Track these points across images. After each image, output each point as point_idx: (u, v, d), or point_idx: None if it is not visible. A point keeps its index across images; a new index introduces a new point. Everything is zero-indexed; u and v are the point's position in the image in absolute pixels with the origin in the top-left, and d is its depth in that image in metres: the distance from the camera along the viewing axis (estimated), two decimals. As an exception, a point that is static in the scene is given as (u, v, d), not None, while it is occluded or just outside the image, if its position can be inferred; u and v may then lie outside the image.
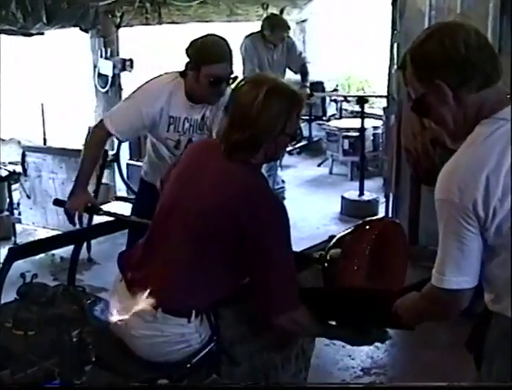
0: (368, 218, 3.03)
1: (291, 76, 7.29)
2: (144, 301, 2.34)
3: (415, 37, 2.14)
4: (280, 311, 2.50)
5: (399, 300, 2.39)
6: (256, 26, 7.54)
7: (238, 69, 6.85)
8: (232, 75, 3.60)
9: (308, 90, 7.36)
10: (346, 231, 2.89)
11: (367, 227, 2.89)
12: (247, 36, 7.19)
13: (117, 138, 3.84)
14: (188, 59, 3.60)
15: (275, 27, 7.11)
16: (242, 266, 2.51)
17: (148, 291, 2.36)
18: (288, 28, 7.28)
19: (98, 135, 3.71)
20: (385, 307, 2.42)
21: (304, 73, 7.30)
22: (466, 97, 2.04)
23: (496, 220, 1.97)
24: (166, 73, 3.77)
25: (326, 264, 2.82)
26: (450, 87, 2.03)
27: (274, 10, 8.32)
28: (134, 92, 3.74)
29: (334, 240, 2.86)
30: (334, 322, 2.72)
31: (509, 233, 1.99)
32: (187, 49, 3.60)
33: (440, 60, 2.04)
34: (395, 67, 5.66)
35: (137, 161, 6.47)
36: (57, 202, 3.80)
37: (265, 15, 7.81)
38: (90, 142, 3.78)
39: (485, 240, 2.02)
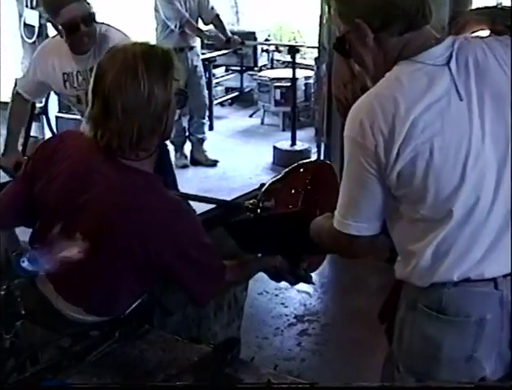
0: (299, 162, 2.92)
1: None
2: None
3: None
4: (207, 297, 2.39)
5: (312, 223, 2.30)
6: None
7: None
8: (91, 12, 3.48)
9: (239, 39, 7.29)
10: (278, 177, 2.83)
11: (299, 170, 2.84)
12: None
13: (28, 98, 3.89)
14: None
15: None
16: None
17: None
18: None
19: (16, 99, 3.86)
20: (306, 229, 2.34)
21: (219, 26, 7.08)
22: (388, 40, 1.92)
23: (398, 166, 1.85)
24: None
25: (258, 211, 2.77)
26: (371, 28, 1.90)
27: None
28: None
29: (265, 187, 2.81)
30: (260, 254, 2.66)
31: (411, 185, 1.88)
32: None
33: None
34: (326, 16, 5.66)
35: (66, 113, 6.35)
36: None
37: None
38: (12, 105, 3.89)
39: (389, 189, 1.91)
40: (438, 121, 1.83)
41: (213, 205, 3.27)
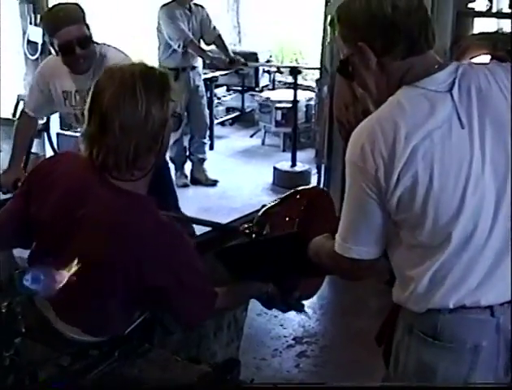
0: (297, 188, 2.95)
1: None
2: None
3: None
4: (196, 322, 2.43)
5: (310, 243, 2.31)
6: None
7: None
8: (88, 35, 3.53)
9: (242, 59, 7.32)
10: (274, 202, 2.84)
11: (296, 197, 2.85)
12: (162, 7, 6.68)
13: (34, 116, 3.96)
14: None
15: None
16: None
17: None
18: None
19: (22, 117, 3.95)
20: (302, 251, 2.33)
21: (221, 46, 7.10)
22: (391, 64, 1.92)
23: (398, 192, 1.85)
24: None
25: (254, 236, 2.76)
26: (374, 51, 1.91)
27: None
28: None
29: (261, 212, 2.80)
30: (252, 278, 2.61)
31: (410, 210, 1.88)
32: None
33: (363, 21, 1.91)
34: (328, 38, 5.68)
35: (67, 130, 6.36)
36: None
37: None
38: (18, 122, 3.99)
39: (389, 214, 1.92)
40: (439, 148, 1.83)
41: (208, 228, 3.27)
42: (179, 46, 6.51)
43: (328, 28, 5.60)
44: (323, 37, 5.77)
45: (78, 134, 4.11)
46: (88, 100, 2.17)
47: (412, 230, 1.92)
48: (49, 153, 6.49)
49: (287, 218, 2.73)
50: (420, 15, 1.92)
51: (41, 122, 5.99)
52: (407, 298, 2.00)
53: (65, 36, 3.46)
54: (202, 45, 6.94)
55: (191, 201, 6.11)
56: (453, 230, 1.88)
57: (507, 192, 1.90)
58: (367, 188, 1.88)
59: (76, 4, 3.60)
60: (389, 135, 1.84)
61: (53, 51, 3.65)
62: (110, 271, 2.16)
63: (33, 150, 5.65)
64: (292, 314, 4.27)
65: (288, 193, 2.88)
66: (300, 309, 2.76)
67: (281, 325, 4.27)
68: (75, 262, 1.98)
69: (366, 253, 1.97)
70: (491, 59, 4.20)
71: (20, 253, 4.81)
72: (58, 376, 2.17)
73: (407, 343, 2.04)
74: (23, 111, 3.97)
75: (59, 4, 3.63)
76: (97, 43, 3.66)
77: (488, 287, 1.92)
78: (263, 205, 2.91)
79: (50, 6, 3.66)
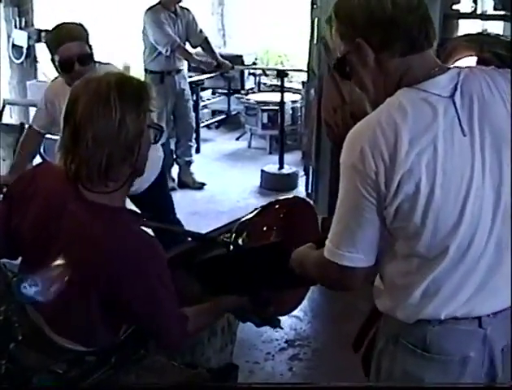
0: (277, 199, 2.96)
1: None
2: None
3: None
4: (174, 345, 2.36)
5: (293, 253, 2.22)
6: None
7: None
8: (89, 52, 3.61)
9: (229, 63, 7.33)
10: (254, 212, 2.79)
11: (275, 206, 2.82)
12: (147, 11, 6.63)
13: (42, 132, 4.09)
14: None
15: None
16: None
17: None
18: None
19: (29, 133, 4.12)
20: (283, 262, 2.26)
21: (208, 49, 7.10)
22: (389, 61, 1.86)
23: (397, 200, 1.79)
24: None
25: (231, 247, 2.69)
26: (372, 47, 1.85)
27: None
28: None
29: (239, 223, 2.75)
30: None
31: (409, 220, 1.81)
32: None
33: (362, 17, 1.85)
34: (315, 41, 5.69)
35: (53, 135, 6.32)
36: None
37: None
38: (23, 139, 4.14)
39: (383, 220, 1.84)
40: (441, 156, 1.78)
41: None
42: (166, 51, 6.48)
43: (315, 30, 5.61)
44: (311, 40, 5.78)
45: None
46: (63, 109, 2.15)
47: (408, 240, 1.86)
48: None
49: (265, 228, 2.70)
50: (421, 12, 1.86)
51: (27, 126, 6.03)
52: (395, 307, 1.95)
53: (65, 52, 3.54)
54: (188, 48, 6.92)
55: (179, 206, 6.06)
56: (451, 243, 1.83)
57: (501, 203, 1.86)
58: (366, 193, 1.80)
59: (80, 24, 3.65)
60: (391, 138, 1.77)
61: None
62: (85, 286, 2.12)
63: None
64: (283, 317, 4.29)
65: (267, 203, 2.85)
66: (275, 324, 2.71)
67: (275, 327, 4.25)
68: (58, 272, 1.98)
69: (359, 261, 1.87)
70: (477, 61, 4.24)
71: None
72: (54, 383, 2.16)
73: (391, 352, 1.99)
74: (30, 127, 4.13)
75: (63, 23, 3.68)
76: (99, 62, 3.71)
77: (479, 299, 1.89)
78: (255, 209, 2.89)
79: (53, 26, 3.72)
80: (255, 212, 2.79)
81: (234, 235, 2.69)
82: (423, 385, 1.95)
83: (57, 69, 3.66)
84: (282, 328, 2.88)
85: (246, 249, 2.63)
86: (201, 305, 2.42)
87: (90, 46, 3.62)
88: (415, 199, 1.79)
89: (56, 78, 3.93)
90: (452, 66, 1.95)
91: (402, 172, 1.76)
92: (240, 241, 2.66)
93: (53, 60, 3.64)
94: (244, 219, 2.77)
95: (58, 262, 2.00)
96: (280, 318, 3.95)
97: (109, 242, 2.10)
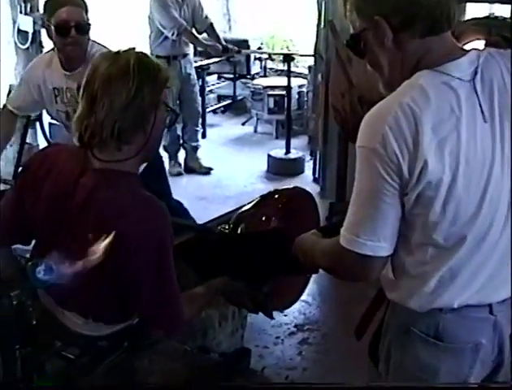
0: (276, 189, 2.95)
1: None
2: None
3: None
4: (174, 331, 2.29)
5: (297, 239, 2.16)
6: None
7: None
8: (86, 22, 3.51)
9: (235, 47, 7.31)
10: (252, 203, 2.79)
11: (274, 196, 2.82)
12: None
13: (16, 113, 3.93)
14: None
15: None
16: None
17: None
18: None
19: (3, 113, 3.88)
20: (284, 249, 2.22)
21: (213, 34, 7.06)
22: (408, 42, 1.78)
23: (419, 187, 1.73)
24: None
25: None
26: (391, 27, 1.76)
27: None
28: None
29: (238, 213, 2.75)
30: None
31: (429, 208, 1.76)
32: None
33: None
34: (322, 25, 5.67)
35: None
36: None
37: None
38: None
39: (403, 207, 1.78)
40: (464, 145, 1.73)
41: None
42: (172, 34, 6.46)
43: (322, 14, 5.59)
44: (318, 25, 5.76)
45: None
46: (83, 81, 2.17)
47: (425, 228, 1.81)
48: (42, 143, 6.47)
49: (263, 218, 2.69)
50: None
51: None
52: (408, 297, 1.91)
53: (64, 15, 3.44)
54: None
55: (186, 191, 6.10)
56: (469, 232, 1.80)
57: None
58: (388, 177, 1.72)
59: None
60: (412, 122, 1.70)
61: (47, 39, 3.62)
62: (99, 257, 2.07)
63: (27, 140, 5.64)
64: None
65: (266, 193, 2.85)
66: (269, 312, 2.63)
67: (282, 312, 4.26)
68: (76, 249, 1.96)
69: (381, 249, 1.79)
70: (485, 44, 4.22)
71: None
72: (66, 368, 2.16)
73: (402, 342, 1.97)
74: (5, 107, 3.91)
75: None
76: (94, 41, 3.61)
77: (492, 287, 1.88)
78: (260, 196, 2.87)
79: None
80: (254, 202, 2.79)
81: (232, 225, 2.68)
82: (435, 375, 1.92)
83: (49, 35, 3.54)
84: (274, 318, 2.85)
85: (244, 235, 2.63)
86: (192, 290, 2.38)
87: (88, 18, 3.52)
88: (437, 187, 1.73)
89: (44, 52, 3.84)
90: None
91: (425, 159, 1.70)
92: (238, 232, 2.66)
93: (48, 25, 3.52)
94: (242, 210, 2.77)
95: (73, 243, 1.99)
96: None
97: (116, 202, 2.11)
